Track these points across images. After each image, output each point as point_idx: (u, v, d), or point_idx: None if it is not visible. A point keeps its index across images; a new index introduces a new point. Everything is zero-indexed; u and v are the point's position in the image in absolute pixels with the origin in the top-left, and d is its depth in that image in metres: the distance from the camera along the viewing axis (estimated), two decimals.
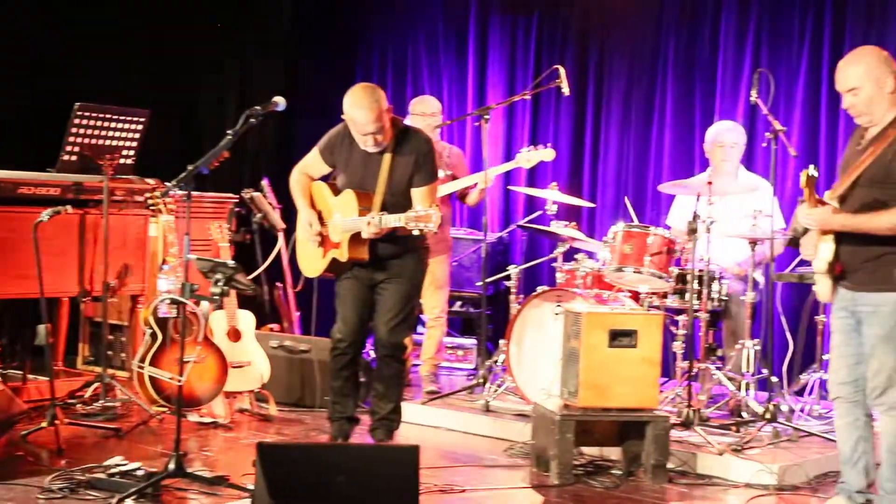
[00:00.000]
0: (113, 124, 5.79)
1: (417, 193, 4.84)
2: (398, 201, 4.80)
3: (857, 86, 4.07)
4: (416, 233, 4.59)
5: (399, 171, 4.84)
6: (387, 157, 4.83)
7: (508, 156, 7.83)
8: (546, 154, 6.23)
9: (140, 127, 5.89)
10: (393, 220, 4.65)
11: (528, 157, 6.25)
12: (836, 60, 4.24)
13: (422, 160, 4.86)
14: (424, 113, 6.38)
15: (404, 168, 4.84)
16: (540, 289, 5.83)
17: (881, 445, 4.14)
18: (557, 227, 5.99)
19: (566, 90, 6.29)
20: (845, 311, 4.20)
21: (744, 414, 5.48)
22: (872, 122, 4.12)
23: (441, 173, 5.86)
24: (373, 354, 5.27)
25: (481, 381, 6.07)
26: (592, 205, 7.29)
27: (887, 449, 4.10)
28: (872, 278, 4.07)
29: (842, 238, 4.09)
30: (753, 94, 5.66)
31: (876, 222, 3.97)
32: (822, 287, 4.22)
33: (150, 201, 5.57)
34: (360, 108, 4.74)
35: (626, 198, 6.45)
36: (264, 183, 6.92)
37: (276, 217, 6.78)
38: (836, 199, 4.11)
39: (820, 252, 4.13)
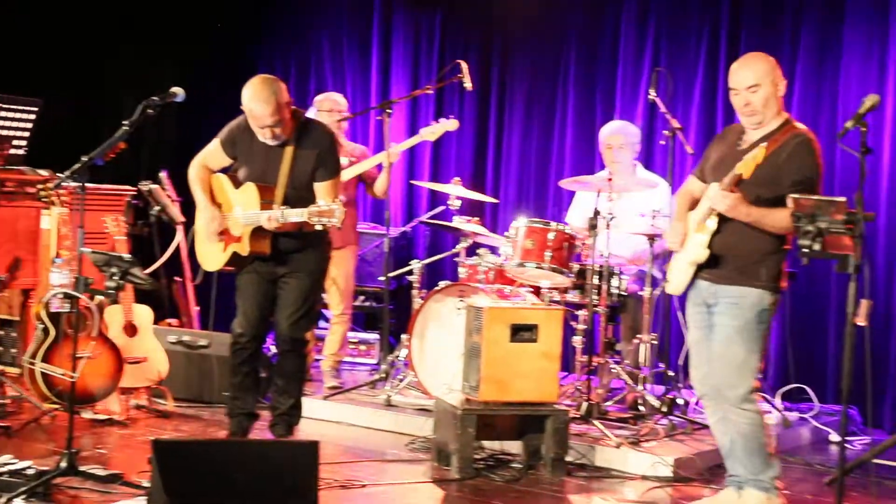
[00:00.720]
0: (3, 113, 5.62)
1: (320, 188, 4.79)
2: (301, 195, 4.75)
3: (757, 83, 4.18)
4: (318, 227, 4.55)
5: (301, 164, 4.79)
6: (288, 151, 4.78)
7: (412, 156, 7.84)
8: (450, 125, 6.25)
9: (32, 116, 5.73)
10: (295, 215, 4.60)
11: (433, 129, 6.25)
12: (731, 61, 4.35)
13: (324, 154, 4.82)
14: (332, 109, 6.33)
15: (306, 162, 4.79)
16: (442, 283, 5.84)
17: (733, 434, 4.23)
18: (460, 222, 6.01)
19: (468, 84, 6.31)
20: (703, 305, 4.30)
21: (641, 407, 5.58)
22: (762, 123, 4.23)
23: (344, 160, 5.82)
24: (274, 349, 5.22)
25: (383, 375, 6.06)
26: (495, 200, 7.35)
27: (741, 435, 4.20)
28: (740, 273, 4.18)
29: (721, 230, 4.18)
30: (652, 92, 5.78)
31: (773, 218, 4.06)
32: (683, 277, 4.30)
33: (42, 193, 5.42)
34: (258, 100, 4.67)
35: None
36: (163, 175, 6.80)
37: (174, 210, 6.66)
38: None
39: (697, 240, 4.22)
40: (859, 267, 3.59)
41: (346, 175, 5.97)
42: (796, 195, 3.73)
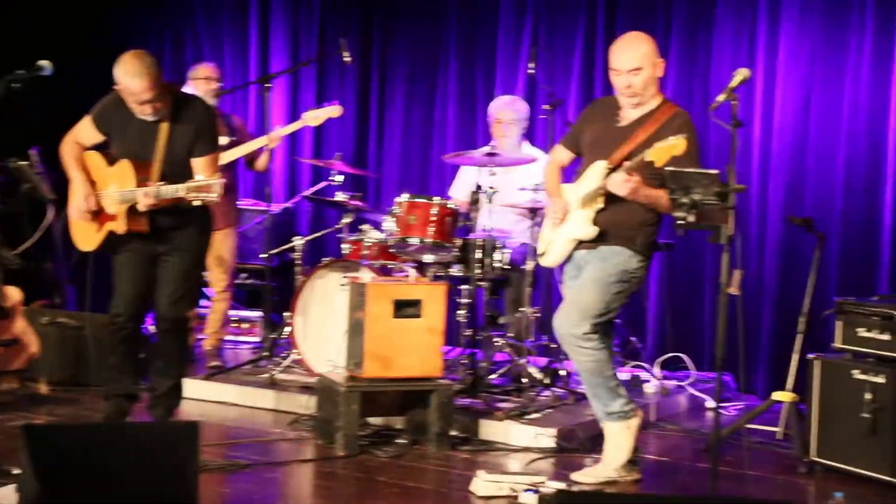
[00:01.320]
0: None
1: (198, 163, 4.68)
2: (178, 171, 4.62)
3: (640, 66, 4.25)
4: (196, 203, 4.45)
5: (178, 140, 4.66)
6: (164, 126, 4.65)
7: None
8: (333, 111, 6.21)
9: None
10: (171, 191, 4.49)
11: (316, 114, 6.21)
12: (609, 36, 4.41)
13: (202, 129, 4.70)
14: (208, 78, 6.19)
15: (183, 137, 4.67)
16: (325, 260, 5.80)
17: (580, 371, 4.42)
18: (343, 197, 5.97)
19: (348, 59, 6.26)
20: (578, 278, 4.41)
21: (524, 380, 5.65)
22: (641, 103, 4.30)
23: (224, 139, 5.71)
24: (153, 329, 5.11)
25: (266, 354, 5.99)
26: (376, 175, 7.31)
27: (586, 371, 4.37)
28: (615, 237, 4.32)
29: (606, 207, 4.29)
30: (531, 66, 5.81)
31: (668, 198, 4.14)
32: (563, 251, 4.44)
33: None
34: (134, 75, 4.53)
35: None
36: (32, 152, 6.55)
37: (45, 187, 6.43)
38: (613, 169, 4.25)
39: (582, 217, 4.34)
40: (732, 238, 3.69)
41: (228, 157, 5.86)
42: (671, 168, 3.81)
